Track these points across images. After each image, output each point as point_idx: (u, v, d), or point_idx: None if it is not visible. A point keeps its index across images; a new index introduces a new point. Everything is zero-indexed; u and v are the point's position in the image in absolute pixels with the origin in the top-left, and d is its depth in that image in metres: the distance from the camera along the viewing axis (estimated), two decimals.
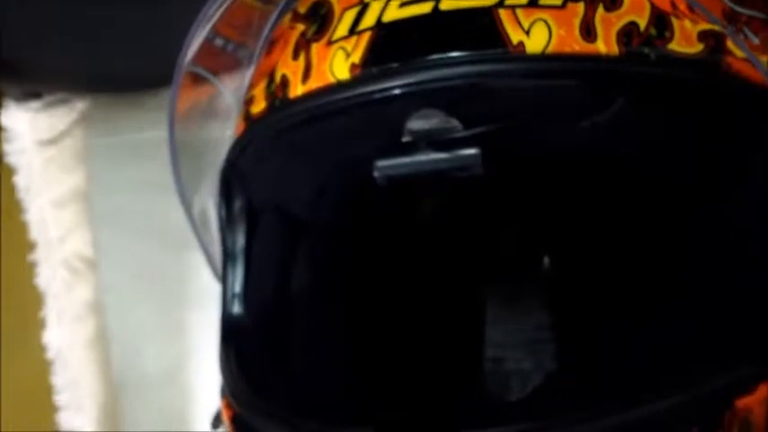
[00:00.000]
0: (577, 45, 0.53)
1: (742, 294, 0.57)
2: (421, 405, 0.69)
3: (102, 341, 0.88)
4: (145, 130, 0.85)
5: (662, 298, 0.65)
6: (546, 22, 0.53)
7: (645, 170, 0.58)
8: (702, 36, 0.55)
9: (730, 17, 0.57)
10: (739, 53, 0.56)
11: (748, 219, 0.57)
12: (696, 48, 0.54)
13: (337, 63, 0.56)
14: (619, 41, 0.53)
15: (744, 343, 0.55)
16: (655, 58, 0.53)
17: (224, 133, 0.69)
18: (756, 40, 0.57)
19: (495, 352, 0.77)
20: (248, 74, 0.68)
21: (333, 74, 0.56)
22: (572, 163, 0.58)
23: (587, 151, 0.56)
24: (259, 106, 0.61)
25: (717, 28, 0.55)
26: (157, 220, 0.86)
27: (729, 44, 0.56)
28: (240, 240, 0.65)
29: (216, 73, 0.70)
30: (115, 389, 0.87)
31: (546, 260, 0.76)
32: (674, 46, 0.54)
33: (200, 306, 0.86)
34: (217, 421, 0.66)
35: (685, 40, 0.54)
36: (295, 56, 0.59)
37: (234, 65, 0.70)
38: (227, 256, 0.66)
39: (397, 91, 0.54)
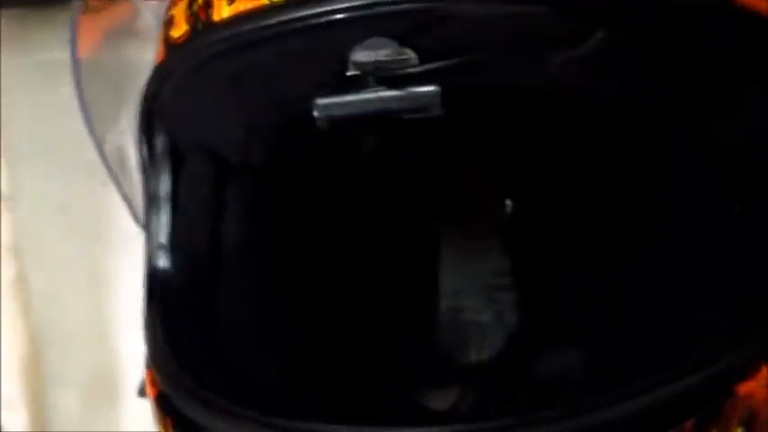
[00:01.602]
0: None
1: (734, 250, 0.50)
2: (371, 370, 0.62)
3: (22, 287, 0.79)
4: (57, 49, 0.75)
5: (638, 250, 0.59)
6: None
7: (625, 109, 0.51)
8: None
9: None
10: None
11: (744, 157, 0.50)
12: None
13: None
14: None
15: (741, 313, 0.48)
16: None
17: (143, 56, 0.60)
18: None
19: (451, 301, 0.70)
20: None
21: None
22: (541, 103, 0.51)
23: (559, 90, 0.48)
24: (180, 29, 0.52)
25: None
26: (77, 151, 0.77)
27: None
28: (165, 184, 0.57)
29: None
30: (36, 340, 0.79)
31: (508, 203, 0.69)
32: None
33: (127, 249, 0.77)
34: (144, 391, 0.58)
35: None
36: None
37: None
38: (151, 202, 0.58)
39: (340, 15, 0.46)
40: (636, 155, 0.55)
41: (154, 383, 0.54)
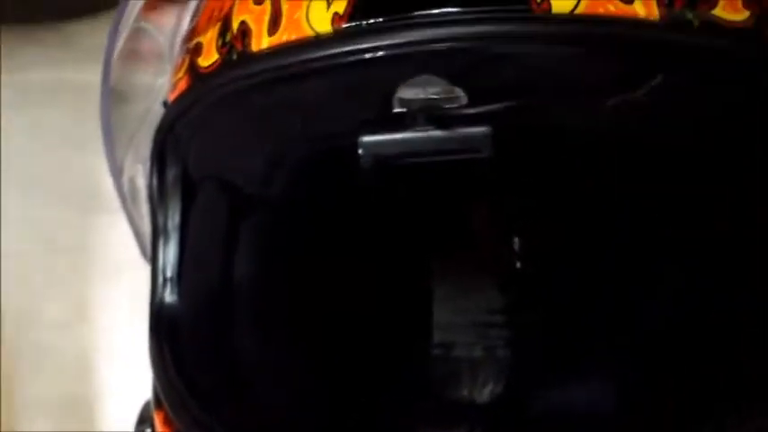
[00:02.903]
0: (612, 6, 0.44)
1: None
2: (368, 407, 0.61)
3: None
4: (43, 70, 0.72)
5: (643, 296, 0.59)
6: None
7: (674, 153, 0.50)
8: (748, 1, 0.46)
9: None
10: None
11: None
12: (742, 15, 0.46)
13: (316, 12, 0.45)
14: (659, 3, 0.44)
15: None
16: (699, 24, 0.45)
17: (154, 81, 0.58)
18: None
19: (444, 336, 0.69)
20: (186, 11, 0.57)
21: (310, 25, 0.45)
22: (592, 146, 0.49)
23: (613, 133, 0.47)
24: (209, 59, 0.50)
25: None
26: (60, 178, 0.74)
27: None
28: (175, 215, 0.55)
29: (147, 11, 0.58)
30: (10, 367, 0.75)
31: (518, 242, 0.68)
32: (720, 12, 0.45)
33: (109, 279, 0.74)
34: (141, 426, 0.55)
35: (730, 6, 0.46)
36: None
37: None
38: (158, 233, 0.55)
39: (389, 51, 0.44)
40: (674, 198, 0.54)
41: (167, 423, 0.51)
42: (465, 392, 0.67)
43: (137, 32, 0.59)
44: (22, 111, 0.74)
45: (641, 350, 0.56)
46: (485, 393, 0.67)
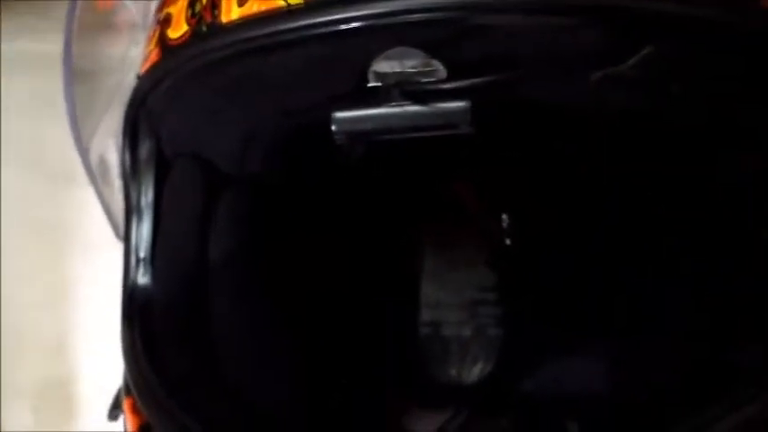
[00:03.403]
0: None
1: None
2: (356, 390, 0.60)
3: None
4: (19, 40, 0.69)
5: (637, 272, 0.57)
6: None
7: (663, 128, 0.48)
8: None
9: None
10: None
11: None
12: None
13: None
14: None
15: None
16: None
17: (127, 52, 0.56)
18: None
19: (432, 314, 0.67)
20: None
21: None
22: (574, 120, 0.47)
23: (599, 108, 0.45)
24: (179, 30, 0.48)
25: None
26: (35, 152, 0.72)
27: None
28: (148, 193, 0.53)
29: None
30: None
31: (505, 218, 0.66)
32: None
33: (88, 258, 0.72)
34: (115, 411, 0.54)
35: None
36: None
37: None
38: (131, 211, 0.53)
39: (363, 22, 0.42)
40: (659, 174, 0.52)
41: (135, 412, 0.50)
42: (453, 372, 0.66)
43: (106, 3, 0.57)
44: None
45: (632, 330, 0.54)
46: (473, 373, 0.66)
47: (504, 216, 0.66)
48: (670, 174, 0.52)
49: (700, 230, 0.50)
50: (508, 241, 0.67)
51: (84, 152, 0.54)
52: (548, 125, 0.50)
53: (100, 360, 0.58)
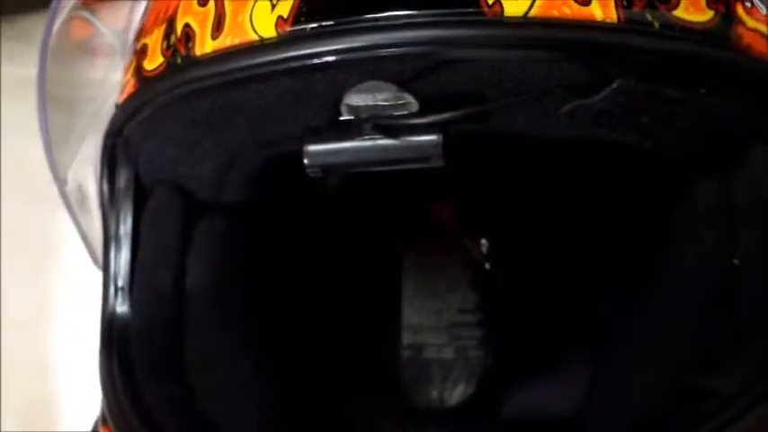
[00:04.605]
0: (568, 8, 0.42)
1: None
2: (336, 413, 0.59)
3: None
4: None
5: (616, 297, 0.58)
6: None
7: (633, 157, 0.48)
8: (712, 0, 0.44)
9: None
10: (750, 22, 0.45)
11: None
12: (705, 15, 0.44)
13: (260, 15, 0.43)
14: (618, 4, 0.42)
15: None
16: (659, 27, 0.43)
17: (105, 77, 0.56)
18: (764, 9, 0.46)
19: (413, 338, 0.68)
20: (137, 9, 0.55)
21: (254, 29, 0.43)
22: (547, 154, 0.48)
23: (568, 140, 0.45)
24: (155, 62, 0.48)
25: None
26: (20, 173, 0.72)
27: (740, 11, 0.45)
28: (126, 221, 0.53)
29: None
30: None
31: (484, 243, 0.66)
32: (681, 13, 0.43)
33: (70, 280, 0.72)
34: None
35: (693, 6, 0.44)
36: (202, 0, 0.46)
37: None
38: (109, 240, 0.53)
39: (335, 57, 0.42)
40: (631, 203, 0.53)
41: None
42: (435, 394, 0.66)
43: (84, 28, 0.57)
44: None
45: (612, 354, 0.55)
46: (455, 395, 0.66)
47: (484, 240, 0.66)
48: (643, 200, 0.52)
49: (676, 256, 0.50)
50: (488, 265, 0.67)
51: (60, 180, 0.54)
52: (520, 154, 0.50)
53: (82, 380, 0.57)
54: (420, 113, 0.43)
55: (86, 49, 0.59)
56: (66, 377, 0.75)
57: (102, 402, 0.50)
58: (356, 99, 0.43)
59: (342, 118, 0.44)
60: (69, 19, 0.52)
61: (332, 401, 0.60)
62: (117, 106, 0.52)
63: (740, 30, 0.45)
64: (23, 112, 0.59)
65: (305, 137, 0.44)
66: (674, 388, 0.47)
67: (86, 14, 0.53)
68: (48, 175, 0.62)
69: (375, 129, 0.43)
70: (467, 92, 0.43)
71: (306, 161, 0.44)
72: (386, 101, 0.43)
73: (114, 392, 0.49)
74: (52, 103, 0.57)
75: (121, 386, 0.49)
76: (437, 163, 0.43)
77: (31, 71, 0.60)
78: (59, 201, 0.63)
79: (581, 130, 0.45)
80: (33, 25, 0.69)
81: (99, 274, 0.56)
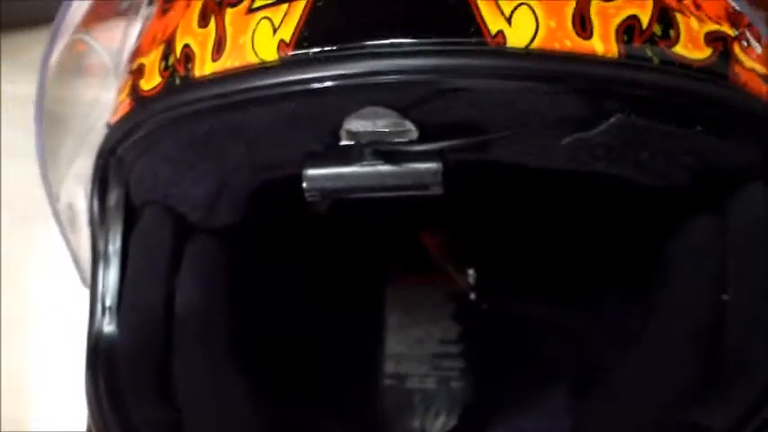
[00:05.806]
0: (569, 41, 0.42)
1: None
2: None
3: None
4: None
5: (601, 332, 0.58)
6: (532, 8, 0.42)
7: (626, 192, 0.48)
8: (710, 38, 0.45)
9: (733, 20, 0.47)
10: (747, 62, 0.46)
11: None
12: (704, 52, 0.44)
13: (261, 38, 0.43)
14: (618, 39, 0.42)
15: None
16: (658, 62, 0.43)
17: (98, 96, 0.56)
18: (759, 49, 0.47)
19: (396, 367, 0.67)
20: (132, 30, 0.55)
21: (255, 52, 0.43)
22: (540, 185, 0.48)
23: (567, 171, 0.45)
24: (152, 82, 0.48)
25: (725, 29, 0.45)
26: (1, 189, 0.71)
27: (737, 50, 0.46)
28: (116, 240, 0.52)
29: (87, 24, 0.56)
30: None
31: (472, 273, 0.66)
32: (680, 49, 0.44)
33: (45, 295, 0.71)
34: None
35: (692, 43, 0.44)
36: (202, 21, 0.46)
37: (108, 13, 0.56)
38: (98, 259, 0.53)
39: (337, 82, 0.42)
40: (622, 238, 0.53)
41: None
42: (416, 424, 0.66)
43: (77, 46, 0.57)
44: None
45: (598, 387, 0.55)
46: (436, 426, 0.66)
47: (471, 271, 0.66)
48: (634, 235, 0.53)
49: (666, 290, 0.51)
50: (473, 295, 0.67)
51: (52, 198, 0.53)
52: (517, 184, 0.51)
53: (57, 400, 0.56)
54: (420, 141, 0.43)
55: (79, 68, 0.58)
56: (40, 398, 0.74)
57: (89, 421, 0.49)
58: (356, 125, 0.43)
59: (341, 143, 0.44)
60: (71, 42, 0.52)
61: (316, 429, 0.60)
62: (109, 126, 0.51)
63: (737, 68, 0.45)
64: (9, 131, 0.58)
65: (304, 161, 0.44)
66: (667, 425, 0.47)
67: (87, 38, 0.52)
68: (27, 192, 0.62)
69: (375, 155, 0.43)
70: (467, 121, 0.43)
71: (305, 185, 0.44)
72: (386, 127, 0.43)
73: (100, 412, 0.49)
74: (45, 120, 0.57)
75: (108, 406, 0.49)
76: (436, 191, 0.43)
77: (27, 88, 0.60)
78: (38, 217, 0.62)
79: (579, 164, 0.45)
80: (27, 42, 0.69)
81: (79, 291, 0.55)
